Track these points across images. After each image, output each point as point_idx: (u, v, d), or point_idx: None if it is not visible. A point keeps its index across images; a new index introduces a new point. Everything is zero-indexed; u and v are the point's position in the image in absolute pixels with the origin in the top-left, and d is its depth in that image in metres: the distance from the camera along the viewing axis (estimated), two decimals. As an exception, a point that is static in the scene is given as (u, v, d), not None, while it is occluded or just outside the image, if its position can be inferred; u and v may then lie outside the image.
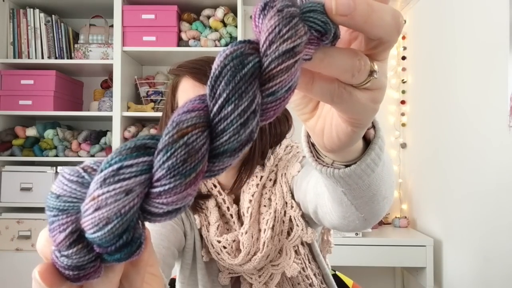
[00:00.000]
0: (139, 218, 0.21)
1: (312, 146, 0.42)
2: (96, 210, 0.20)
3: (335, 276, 1.02)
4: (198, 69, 0.80)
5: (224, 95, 0.21)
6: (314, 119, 0.36)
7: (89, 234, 0.20)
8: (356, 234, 2.04)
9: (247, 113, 0.21)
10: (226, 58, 0.22)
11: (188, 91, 0.81)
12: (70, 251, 0.20)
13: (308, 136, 0.42)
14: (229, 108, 0.21)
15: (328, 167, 0.41)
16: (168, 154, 0.20)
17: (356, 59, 0.27)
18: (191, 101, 0.22)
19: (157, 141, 0.21)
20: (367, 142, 0.41)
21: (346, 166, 0.41)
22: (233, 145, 0.21)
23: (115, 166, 0.20)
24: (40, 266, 0.22)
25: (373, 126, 0.41)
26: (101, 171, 0.20)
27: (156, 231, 0.76)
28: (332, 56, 0.27)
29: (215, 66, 0.22)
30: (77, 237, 0.20)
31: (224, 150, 0.21)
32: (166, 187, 0.20)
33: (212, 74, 0.22)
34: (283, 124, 0.87)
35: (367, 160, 0.40)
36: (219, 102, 0.21)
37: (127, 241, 0.20)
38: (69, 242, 0.20)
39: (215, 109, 0.21)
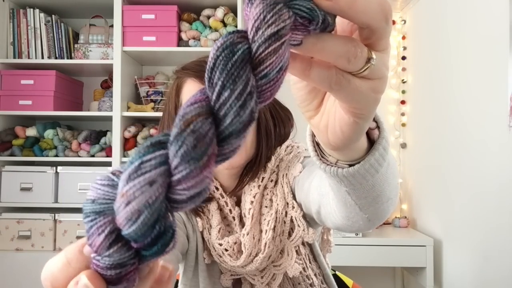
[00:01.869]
0: (167, 208, 0.22)
1: (316, 145, 0.42)
2: (127, 205, 0.21)
3: (335, 276, 1.02)
4: (204, 71, 0.81)
5: (220, 82, 0.22)
6: (318, 116, 0.36)
7: (125, 230, 0.21)
8: (356, 234, 2.04)
9: (243, 95, 0.22)
10: (218, 50, 0.23)
11: (193, 92, 0.81)
12: (111, 250, 0.22)
13: (313, 135, 0.43)
14: (226, 94, 0.22)
15: (332, 166, 0.41)
16: (179, 143, 0.21)
17: (350, 45, 0.28)
18: (193, 95, 0.23)
19: (169, 136, 0.22)
20: (372, 142, 0.41)
21: (350, 165, 0.41)
22: (237, 126, 0.23)
23: (136, 163, 0.22)
24: (84, 272, 0.22)
25: (378, 127, 0.41)
26: (125, 169, 0.22)
27: None
28: (325, 41, 0.27)
29: (209, 59, 0.23)
30: (116, 237, 0.22)
31: (230, 132, 0.23)
32: (184, 172, 0.21)
33: (208, 66, 0.23)
34: (286, 125, 0.87)
35: (371, 160, 0.40)
36: (217, 90, 0.23)
37: (160, 231, 0.22)
38: (109, 242, 0.22)
39: (214, 97, 0.23)
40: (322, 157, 0.42)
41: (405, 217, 2.36)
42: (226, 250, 0.82)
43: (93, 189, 0.23)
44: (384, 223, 2.39)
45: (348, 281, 1.07)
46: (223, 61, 0.23)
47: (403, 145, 2.48)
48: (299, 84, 0.35)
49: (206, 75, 0.23)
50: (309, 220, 0.81)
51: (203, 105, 0.23)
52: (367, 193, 0.45)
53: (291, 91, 0.37)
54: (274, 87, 0.24)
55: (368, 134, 0.41)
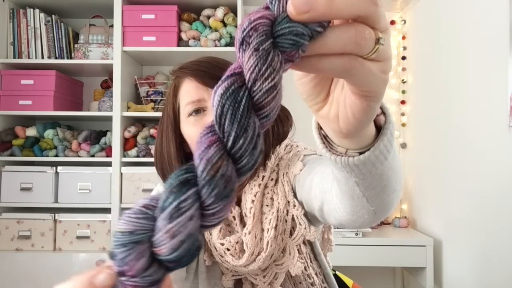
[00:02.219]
0: (199, 232, 0.27)
1: (324, 138, 0.43)
2: (172, 238, 0.25)
3: (335, 276, 1.02)
4: (202, 71, 0.81)
5: (234, 133, 0.26)
6: (327, 106, 0.36)
7: (167, 256, 0.26)
8: (356, 234, 2.04)
9: (254, 139, 0.26)
10: (222, 97, 0.26)
11: (191, 92, 0.81)
12: (151, 270, 0.26)
13: (319, 128, 0.43)
14: (241, 141, 0.26)
15: (343, 156, 0.42)
16: (213, 185, 0.26)
17: (353, 29, 0.27)
18: (205, 135, 0.27)
19: (192, 173, 0.26)
20: (378, 129, 0.42)
21: (360, 154, 0.41)
22: (251, 163, 0.27)
23: (175, 203, 0.25)
24: None
25: (383, 113, 0.42)
26: (165, 208, 0.26)
27: None
28: (323, 38, 0.27)
29: (215, 105, 0.26)
30: (152, 260, 0.26)
31: (245, 169, 0.27)
32: (218, 208, 0.26)
33: (215, 112, 0.26)
34: (285, 124, 0.87)
35: (380, 146, 0.40)
36: (232, 139, 0.26)
37: (193, 252, 0.26)
38: (147, 265, 0.26)
39: (230, 144, 0.26)
40: (330, 149, 0.43)
41: (405, 217, 2.36)
42: (228, 249, 0.82)
43: (128, 222, 0.26)
44: (384, 223, 2.39)
45: (348, 281, 1.07)
46: (230, 110, 0.26)
47: (403, 145, 2.48)
48: (303, 79, 0.35)
49: (215, 120, 0.26)
50: (311, 218, 0.81)
51: (220, 147, 0.26)
52: (376, 183, 0.45)
53: (296, 87, 0.36)
54: (271, 121, 0.28)
55: (374, 121, 0.41)
